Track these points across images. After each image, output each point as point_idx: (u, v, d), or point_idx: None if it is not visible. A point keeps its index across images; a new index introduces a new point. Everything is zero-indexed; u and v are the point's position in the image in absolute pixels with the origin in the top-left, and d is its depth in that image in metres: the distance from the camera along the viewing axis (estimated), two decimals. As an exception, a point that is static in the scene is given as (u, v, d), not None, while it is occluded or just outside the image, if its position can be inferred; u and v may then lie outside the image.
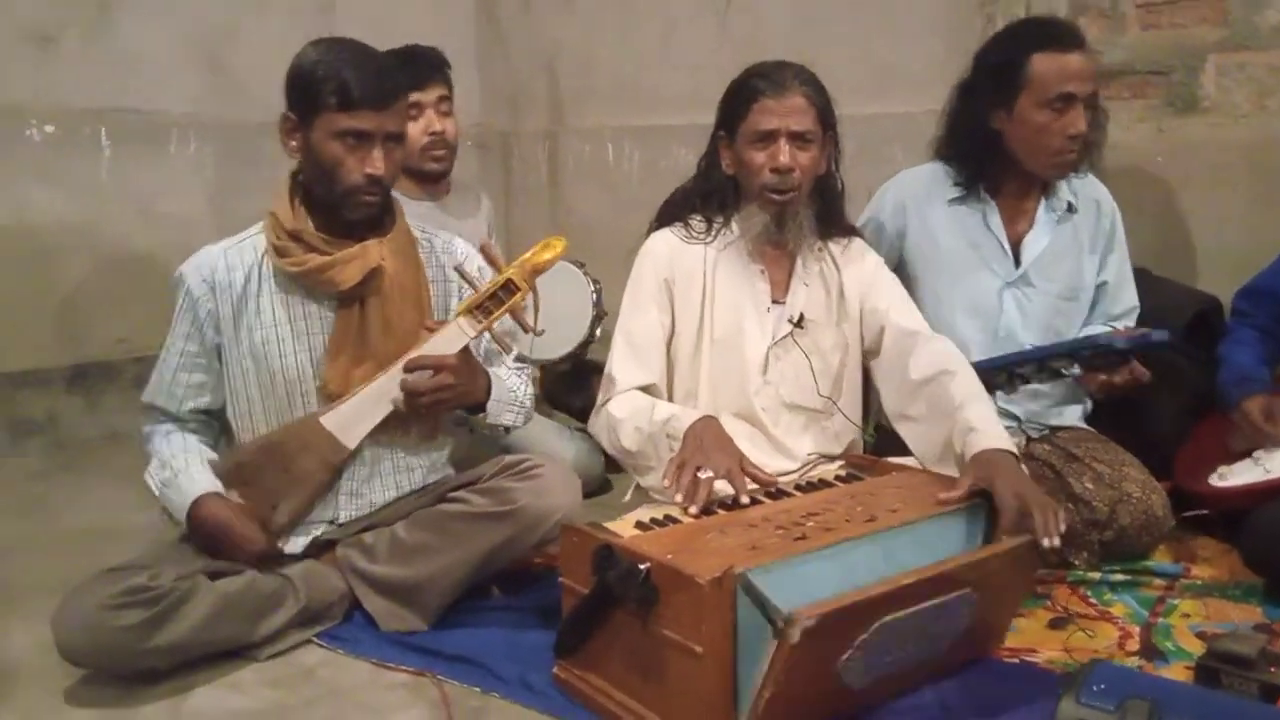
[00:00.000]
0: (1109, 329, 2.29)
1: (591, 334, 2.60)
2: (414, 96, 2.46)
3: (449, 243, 2.02)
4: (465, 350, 1.83)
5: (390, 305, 1.85)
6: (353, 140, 1.76)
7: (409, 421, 1.90)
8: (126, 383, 3.26)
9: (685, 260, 2.04)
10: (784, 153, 1.92)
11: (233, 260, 1.86)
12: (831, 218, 2.07)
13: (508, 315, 1.82)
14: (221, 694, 1.66)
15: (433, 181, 2.62)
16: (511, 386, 2.00)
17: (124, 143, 3.26)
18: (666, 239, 2.07)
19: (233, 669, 1.72)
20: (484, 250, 1.85)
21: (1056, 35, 2.11)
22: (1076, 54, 2.09)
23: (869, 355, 2.07)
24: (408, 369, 1.80)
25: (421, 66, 2.52)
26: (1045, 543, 1.54)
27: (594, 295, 2.59)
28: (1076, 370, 2.11)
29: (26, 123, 3.09)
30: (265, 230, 1.86)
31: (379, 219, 1.88)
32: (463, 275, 1.88)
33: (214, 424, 1.96)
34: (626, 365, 1.99)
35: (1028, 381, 2.14)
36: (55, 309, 3.17)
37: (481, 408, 1.91)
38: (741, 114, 1.96)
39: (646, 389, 1.98)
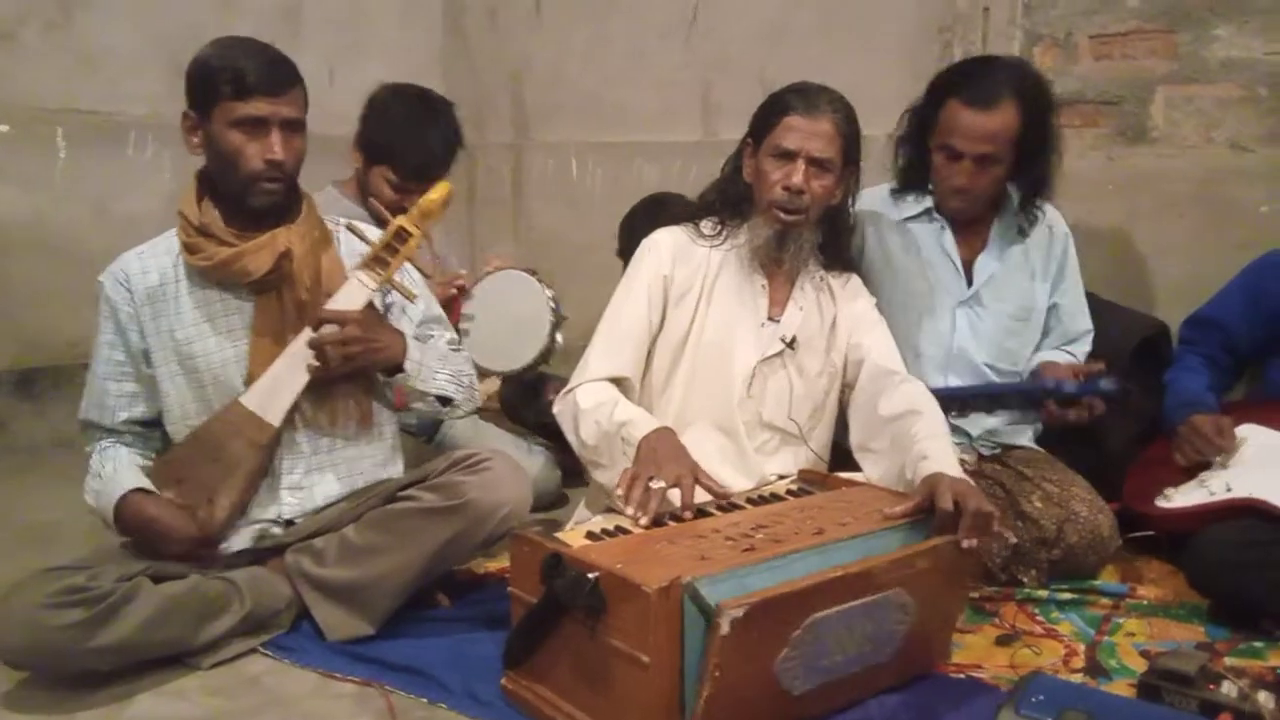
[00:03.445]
0: (1065, 353, 2.34)
1: (552, 341, 2.60)
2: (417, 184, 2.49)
3: (337, 221, 2.00)
4: (370, 306, 1.86)
5: (302, 289, 1.86)
6: (250, 127, 1.77)
7: (337, 401, 1.89)
8: (77, 387, 3.11)
9: (689, 259, 2.05)
10: (799, 173, 1.93)
11: (148, 264, 1.88)
12: (836, 249, 2.09)
13: (407, 265, 1.87)
14: (164, 701, 1.64)
15: None
16: (443, 354, 2.00)
17: (81, 143, 3.21)
18: (674, 235, 2.08)
19: (176, 676, 1.70)
20: (372, 207, 1.85)
21: (973, 87, 2.11)
22: (980, 114, 2.09)
23: (846, 389, 2.09)
24: (314, 326, 1.81)
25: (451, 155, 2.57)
26: (964, 543, 1.56)
27: (551, 302, 2.59)
28: (1027, 409, 2.20)
29: (-20, 120, 3.04)
30: (177, 231, 1.86)
31: (284, 208, 1.87)
32: (353, 231, 1.92)
33: (153, 436, 1.94)
34: (603, 355, 2.00)
35: (976, 412, 2.21)
36: (5, 311, 3.11)
37: (400, 368, 1.90)
38: (769, 125, 1.97)
39: (619, 382, 1.98)
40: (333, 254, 1.92)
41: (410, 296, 1.97)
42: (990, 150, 2.13)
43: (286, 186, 1.84)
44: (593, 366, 1.99)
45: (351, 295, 1.84)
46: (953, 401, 2.16)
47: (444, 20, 4.29)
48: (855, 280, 2.14)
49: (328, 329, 1.81)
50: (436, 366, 1.96)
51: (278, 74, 1.79)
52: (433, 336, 2.05)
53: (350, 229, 1.93)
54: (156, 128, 3.36)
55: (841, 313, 2.08)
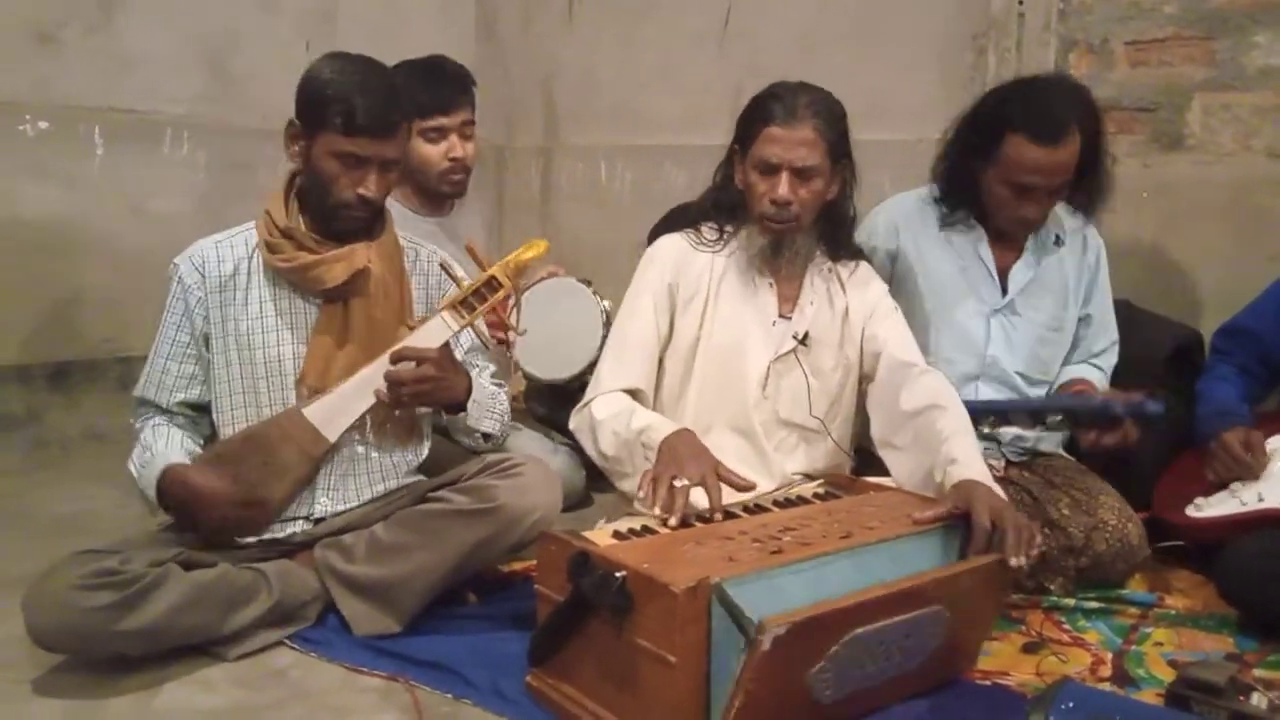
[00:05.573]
0: (1093, 367, 2.32)
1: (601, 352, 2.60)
2: (439, 120, 2.46)
3: (434, 252, 2.06)
4: (446, 346, 1.87)
5: (374, 305, 1.90)
6: (350, 162, 1.81)
7: (388, 419, 1.92)
8: (110, 382, 3.25)
9: (692, 266, 2.05)
10: (784, 185, 1.91)
11: (224, 252, 1.92)
12: (839, 241, 2.08)
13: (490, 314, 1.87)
14: (191, 691, 1.65)
15: (444, 200, 2.62)
16: (492, 393, 2.04)
17: (118, 141, 3.25)
18: (675, 243, 2.08)
19: (202, 667, 1.71)
20: (469, 250, 1.88)
21: (1038, 123, 2.05)
22: (1049, 149, 2.04)
23: (864, 380, 2.08)
24: (393, 360, 1.83)
25: (450, 88, 2.49)
26: (1013, 562, 1.55)
27: (604, 315, 2.58)
28: (1065, 428, 2.19)
29: (21, 118, 3.08)
30: (258, 227, 1.90)
31: (369, 226, 1.92)
32: (447, 271, 1.94)
33: (202, 422, 1.97)
34: (615, 366, 2.00)
35: (1013, 425, 2.20)
36: (41, 305, 3.15)
37: (462, 407, 1.93)
38: (752, 136, 1.96)
39: (632, 393, 1.98)
40: (404, 277, 1.97)
41: (487, 344, 2.01)
42: (1064, 180, 2.12)
43: (372, 215, 1.88)
44: (605, 380, 1.99)
45: (432, 333, 1.85)
46: (992, 413, 2.14)
47: (477, 24, 4.33)
48: (864, 267, 2.13)
49: (405, 365, 1.82)
50: (488, 406, 2.00)
51: (389, 117, 1.81)
52: (476, 368, 2.06)
53: (443, 267, 1.95)
54: (192, 128, 3.41)
55: (852, 302, 2.07)
